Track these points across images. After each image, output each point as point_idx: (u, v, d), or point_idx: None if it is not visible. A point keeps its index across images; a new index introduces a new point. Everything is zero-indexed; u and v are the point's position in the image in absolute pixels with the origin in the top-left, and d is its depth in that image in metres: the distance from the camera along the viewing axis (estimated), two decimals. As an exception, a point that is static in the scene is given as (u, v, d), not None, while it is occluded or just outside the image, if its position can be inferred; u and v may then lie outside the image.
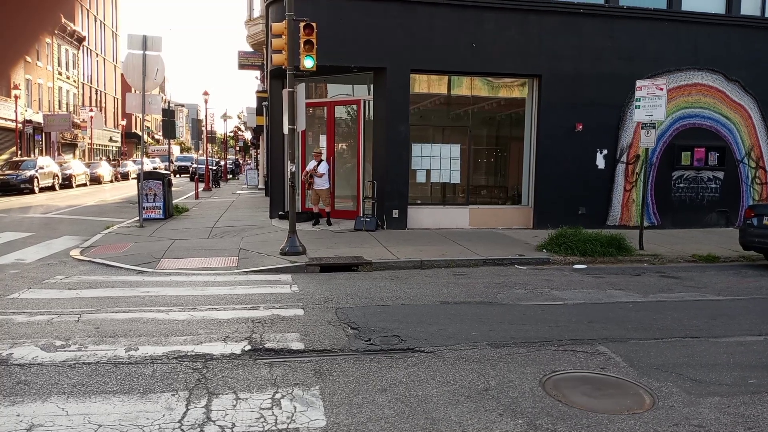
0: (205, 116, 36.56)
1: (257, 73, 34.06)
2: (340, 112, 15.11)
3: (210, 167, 32.30)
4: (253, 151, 51.71)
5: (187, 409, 4.00)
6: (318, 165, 13.33)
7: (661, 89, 10.92)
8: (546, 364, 5.04)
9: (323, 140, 14.95)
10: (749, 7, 15.11)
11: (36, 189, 25.49)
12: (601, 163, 14.38)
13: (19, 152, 35.61)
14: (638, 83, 11.36)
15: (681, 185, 14.99)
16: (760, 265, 10.58)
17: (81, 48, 50.96)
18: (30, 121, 39.60)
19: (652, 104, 11.02)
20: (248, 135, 51.77)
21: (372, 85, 13.83)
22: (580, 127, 14.05)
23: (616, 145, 14.45)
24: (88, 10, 54.01)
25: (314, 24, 10.11)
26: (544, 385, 4.55)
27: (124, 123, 64.23)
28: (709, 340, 5.88)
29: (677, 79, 14.36)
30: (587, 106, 13.98)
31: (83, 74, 52.66)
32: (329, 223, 13.66)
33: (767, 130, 15.28)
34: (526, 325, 6.28)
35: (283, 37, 10.15)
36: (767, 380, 4.75)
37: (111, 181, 36.78)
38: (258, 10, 25.68)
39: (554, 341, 5.67)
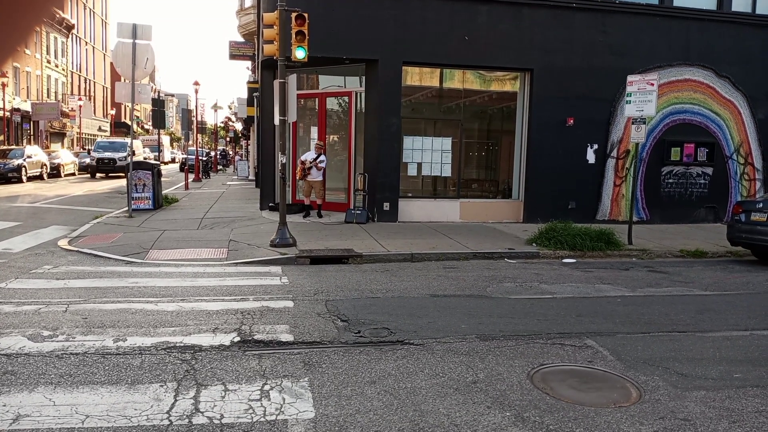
0: (196, 106, 36.33)
1: (248, 63, 33.85)
2: (332, 103, 15.05)
3: (200, 158, 32.18)
4: (243, 142, 51.47)
5: (176, 400, 3.99)
6: (318, 156, 13.26)
7: (652, 84, 10.96)
8: (534, 357, 5.07)
9: (314, 132, 14.89)
10: (740, 3, 15.17)
11: (24, 178, 25.24)
12: (591, 157, 14.43)
13: (7, 141, 35.24)
14: (629, 78, 11.40)
15: (670, 181, 15.08)
16: (747, 260, 10.68)
17: (70, 36, 50.37)
18: (18, 110, 39.19)
19: (643, 99, 11.06)
20: (239, 126, 51.48)
21: (364, 77, 13.77)
22: (571, 121, 14.09)
23: (607, 139, 14.50)
24: (77, -2, 53.37)
25: (306, 15, 10.04)
26: (532, 378, 4.58)
27: (113, 112, 63.66)
28: (696, 334, 5.94)
29: (668, 74, 14.42)
30: (578, 100, 14.01)
31: (72, 63, 52.10)
32: (320, 215, 13.63)
33: (756, 126, 15.38)
34: (515, 319, 6.31)
35: (275, 27, 10.08)
36: (752, 374, 4.81)
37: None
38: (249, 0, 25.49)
39: (543, 334, 5.71)
